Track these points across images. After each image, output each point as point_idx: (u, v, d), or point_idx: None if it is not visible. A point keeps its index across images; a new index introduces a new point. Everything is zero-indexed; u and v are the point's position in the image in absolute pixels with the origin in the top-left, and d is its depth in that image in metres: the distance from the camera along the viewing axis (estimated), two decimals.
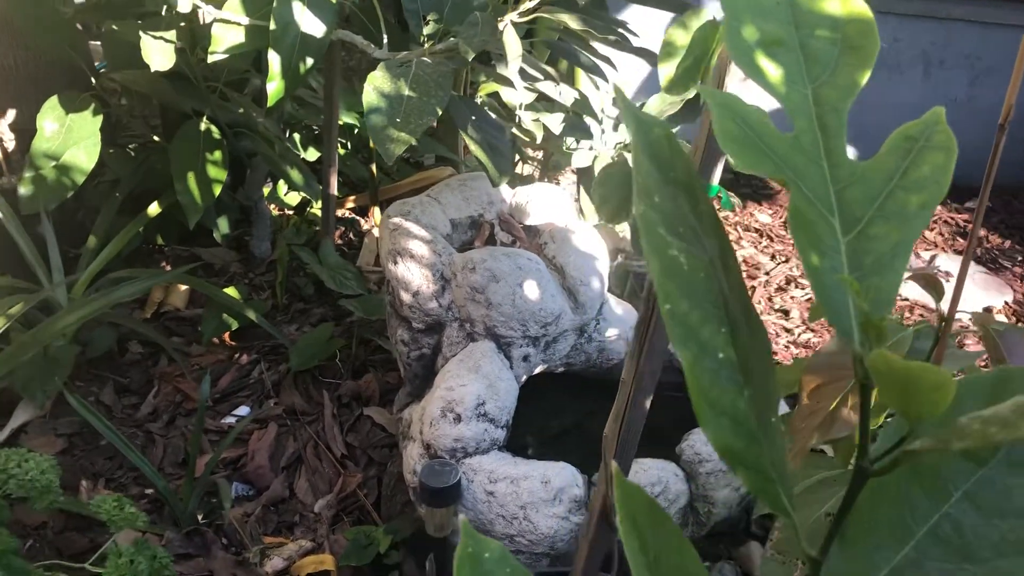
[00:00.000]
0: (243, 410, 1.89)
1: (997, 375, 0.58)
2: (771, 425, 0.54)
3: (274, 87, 1.46)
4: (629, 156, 1.61)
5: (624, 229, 1.74)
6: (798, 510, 0.55)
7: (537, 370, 1.56)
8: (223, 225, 2.15)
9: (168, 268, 2.27)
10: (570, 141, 1.74)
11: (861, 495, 0.54)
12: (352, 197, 2.57)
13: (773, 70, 0.55)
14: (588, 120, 1.72)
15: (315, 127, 2.51)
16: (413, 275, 1.50)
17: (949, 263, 2.75)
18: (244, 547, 1.60)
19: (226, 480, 1.72)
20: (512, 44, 1.15)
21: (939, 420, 0.47)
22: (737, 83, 0.82)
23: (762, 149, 0.52)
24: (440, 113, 1.17)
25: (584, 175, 1.66)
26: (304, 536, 1.63)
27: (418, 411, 1.52)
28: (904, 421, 0.49)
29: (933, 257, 2.74)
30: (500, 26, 1.18)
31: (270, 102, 1.47)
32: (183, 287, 2.19)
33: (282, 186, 2.42)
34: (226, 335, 2.05)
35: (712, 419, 0.50)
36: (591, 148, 1.73)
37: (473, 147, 1.32)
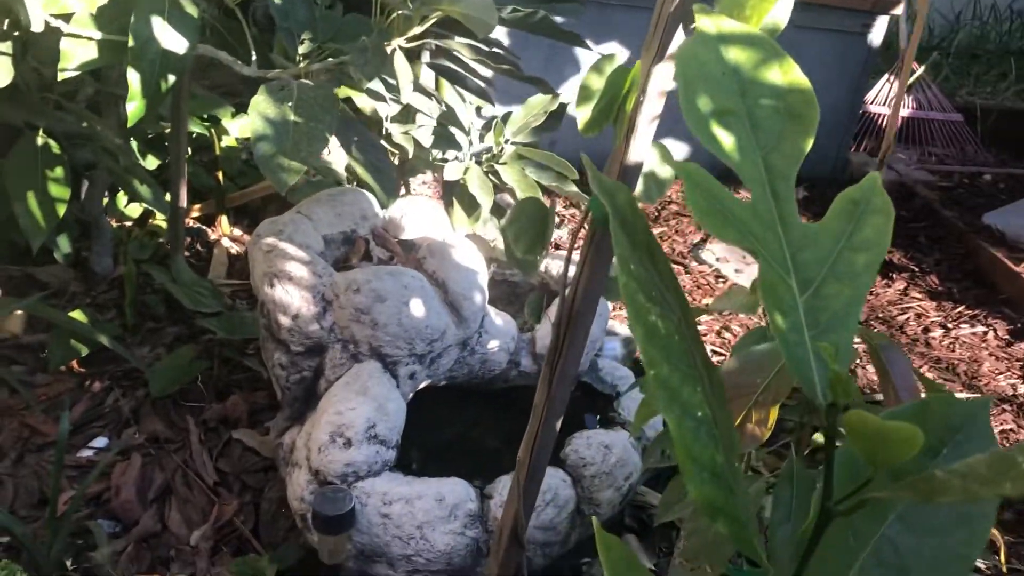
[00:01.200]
0: (100, 441, 1.78)
1: (920, 406, 0.64)
2: (738, 473, 0.58)
3: (134, 107, 1.38)
4: (512, 192, 1.63)
5: (496, 239, 1.77)
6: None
7: (421, 385, 1.56)
8: (64, 244, 2.01)
9: (0, 292, 2.09)
10: (436, 153, 1.75)
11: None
12: (197, 206, 2.46)
13: (726, 138, 0.58)
14: (454, 131, 1.73)
15: (149, 134, 2.37)
16: (292, 298, 1.47)
17: None
18: None
19: (89, 518, 1.62)
20: (403, 71, 1.14)
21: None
22: (647, 124, 0.86)
23: (728, 219, 0.55)
24: (330, 139, 1.14)
25: (454, 187, 1.67)
26: (182, 571, 1.56)
27: (303, 436, 1.49)
28: (865, 464, 0.54)
29: None
30: (388, 50, 1.17)
31: (130, 122, 1.39)
32: (18, 312, 2.03)
33: (121, 197, 2.29)
34: (74, 361, 1.92)
35: (696, 475, 0.54)
36: (458, 159, 1.75)
37: (359, 169, 1.30)
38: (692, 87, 0.59)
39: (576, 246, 0.98)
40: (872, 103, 3.80)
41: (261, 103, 1.17)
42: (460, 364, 1.59)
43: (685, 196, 0.56)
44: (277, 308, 1.48)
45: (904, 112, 3.79)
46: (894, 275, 2.88)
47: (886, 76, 3.82)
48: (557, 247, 2.69)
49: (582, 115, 0.83)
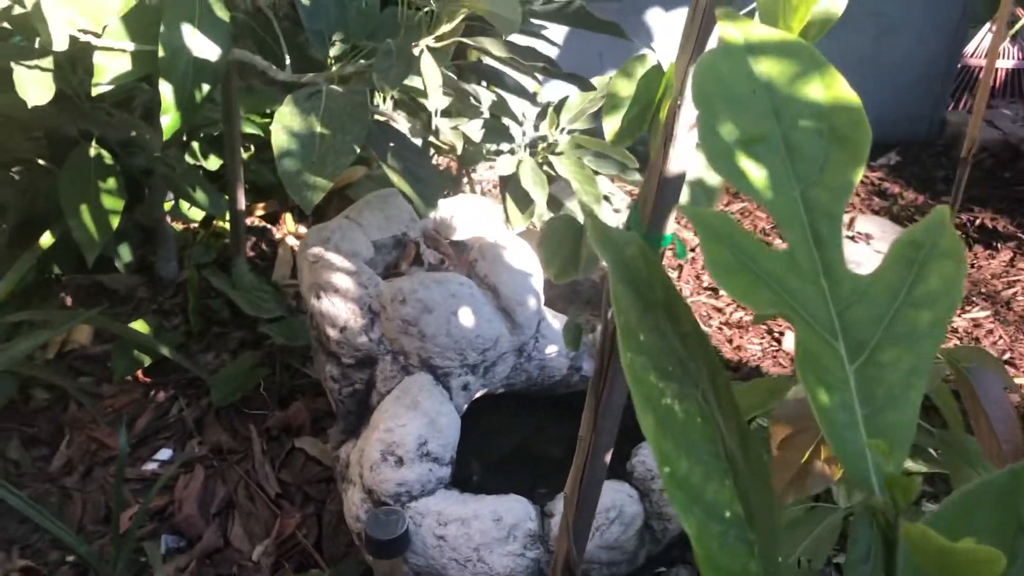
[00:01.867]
0: (165, 453, 1.78)
1: (1008, 477, 0.53)
2: (779, 569, 0.49)
3: (169, 120, 1.34)
4: (570, 206, 1.54)
5: None
6: None
7: (477, 395, 1.49)
8: (124, 253, 2.01)
9: (69, 300, 2.11)
10: (490, 146, 1.66)
11: None
12: (261, 204, 2.44)
13: (756, 172, 0.48)
14: (507, 122, 1.64)
15: (214, 132, 2.36)
16: (338, 310, 1.41)
17: (868, 224, 2.77)
18: None
19: (154, 534, 1.61)
20: (431, 74, 1.06)
21: None
22: (686, 131, 0.75)
23: (756, 275, 0.45)
24: (359, 151, 1.07)
25: (509, 182, 1.58)
26: None
27: (356, 452, 1.44)
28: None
29: (852, 220, 2.76)
30: (416, 51, 1.09)
31: (165, 135, 1.34)
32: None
33: (184, 202, 2.28)
34: (139, 371, 1.92)
35: None
36: (512, 152, 1.66)
37: (395, 178, 1.23)
38: (713, 110, 0.49)
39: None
40: (972, 55, 3.53)
41: (286, 115, 1.11)
42: (517, 371, 1.51)
43: (701, 249, 0.46)
44: (325, 320, 1.42)
45: (1007, 63, 3.51)
46: (999, 244, 2.66)
47: (988, 25, 3.53)
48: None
49: (610, 126, 0.74)
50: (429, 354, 1.40)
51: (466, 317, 1.38)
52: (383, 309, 1.40)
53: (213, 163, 2.30)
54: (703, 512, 0.44)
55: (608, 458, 0.97)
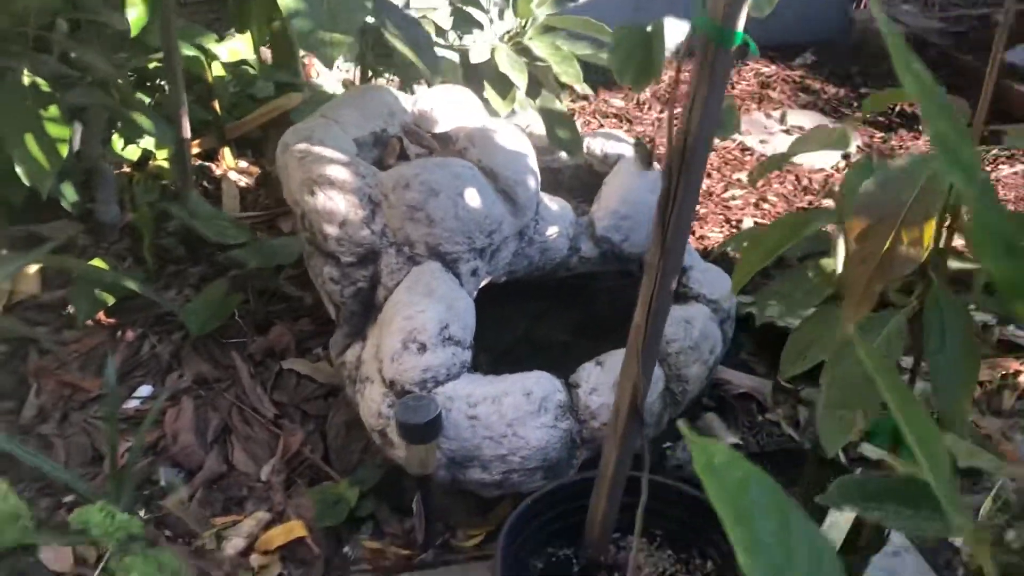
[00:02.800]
0: (145, 390, 1.69)
1: None
2: None
3: (136, 14, 1.25)
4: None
5: (530, 124, 1.66)
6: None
7: (483, 283, 1.47)
8: (69, 192, 1.88)
9: (3, 253, 1.97)
10: (455, 36, 1.62)
11: None
12: (196, 141, 2.32)
13: None
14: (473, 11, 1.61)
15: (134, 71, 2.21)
16: (336, 204, 1.36)
17: (799, 117, 2.85)
18: (194, 535, 1.44)
19: (150, 468, 1.54)
20: None
21: None
22: None
23: None
24: (371, 6, 1.02)
25: (485, 69, 1.55)
26: (258, 508, 1.48)
27: (370, 349, 1.40)
28: None
29: (783, 115, 2.83)
30: None
31: (134, 31, 1.26)
32: (32, 269, 1.91)
33: (117, 141, 2.14)
34: (101, 313, 1.82)
35: (991, 247, 0.44)
36: (476, 41, 1.62)
37: (399, 46, 1.18)
38: None
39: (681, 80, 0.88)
40: None
41: None
42: (519, 256, 1.50)
43: None
44: (321, 217, 1.37)
45: None
46: (919, 126, 2.78)
47: None
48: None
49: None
50: (437, 240, 1.36)
51: (472, 198, 1.35)
52: (385, 198, 1.36)
53: (144, 99, 2.18)
54: (963, 171, 0.44)
55: (675, 284, 0.97)
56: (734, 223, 2.28)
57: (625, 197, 1.52)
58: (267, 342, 1.77)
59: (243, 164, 2.36)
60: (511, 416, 1.30)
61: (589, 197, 1.61)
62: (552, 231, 1.49)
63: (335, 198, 1.35)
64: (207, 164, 2.34)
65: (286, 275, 1.91)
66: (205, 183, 2.29)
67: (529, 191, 1.44)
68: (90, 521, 0.86)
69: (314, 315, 1.83)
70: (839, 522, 1.16)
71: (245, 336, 1.79)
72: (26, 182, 1.80)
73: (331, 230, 1.37)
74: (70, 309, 1.84)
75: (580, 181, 1.71)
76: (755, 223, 2.25)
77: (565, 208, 1.52)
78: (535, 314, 1.60)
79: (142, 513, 1.44)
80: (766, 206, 2.36)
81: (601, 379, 1.35)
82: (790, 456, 1.59)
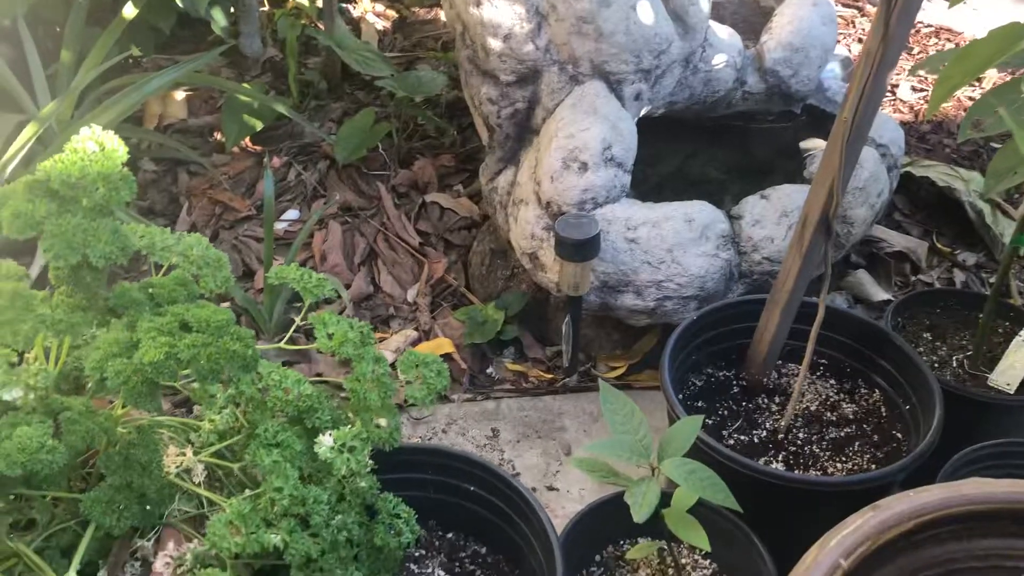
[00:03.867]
0: (291, 214, 1.72)
1: None
2: None
3: None
4: None
5: None
6: None
7: (643, 111, 1.42)
8: (219, 16, 1.89)
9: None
10: None
11: None
12: None
13: None
14: None
15: None
16: (502, 16, 1.32)
17: None
18: None
19: None
20: None
21: None
22: None
23: None
24: None
25: None
26: (405, 327, 1.51)
27: (526, 170, 1.38)
28: None
29: None
30: None
31: None
32: (179, 96, 1.94)
33: None
34: (247, 140, 1.84)
35: None
36: None
37: None
38: None
39: None
40: None
41: None
42: (682, 87, 1.44)
43: None
44: (485, 30, 1.33)
45: None
46: None
47: None
48: None
49: None
50: (604, 57, 1.32)
51: (645, 13, 1.30)
52: (552, 9, 1.31)
53: None
54: None
55: (888, 81, 0.91)
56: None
57: (799, 28, 1.44)
58: (411, 175, 1.77)
59: (379, 8, 2.33)
60: (671, 241, 1.27)
61: (752, 34, 1.53)
62: (719, 60, 1.42)
63: (501, 8, 1.31)
64: (344, 5, 2.32)
65: (429, 112, 1.89)
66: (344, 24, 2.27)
67: (701, 13, 1.37)
68: (288, 276, 0.88)
69: (456, 152, 1.82)
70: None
71: (388, 169, 1.80)
72: (179, 3, 1.81)
73: (494, 44, 1.33)
74: (218, 136, 1.87)
75: (743, 17, 1.62)
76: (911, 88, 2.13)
77: (734, 37, 1.45)
78: (688, 153, 1.55)
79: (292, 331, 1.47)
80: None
81: (766, 211, 1.31)
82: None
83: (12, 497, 0.79)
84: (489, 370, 1.46)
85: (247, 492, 0.78)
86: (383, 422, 0.88)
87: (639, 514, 0.80)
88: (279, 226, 1.69)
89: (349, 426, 0.82)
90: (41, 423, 0.71)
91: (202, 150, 1.86)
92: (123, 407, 0.80)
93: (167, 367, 0.69)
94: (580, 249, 1.23)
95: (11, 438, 0.69)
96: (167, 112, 1.92)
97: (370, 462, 0.83)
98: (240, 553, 0.74)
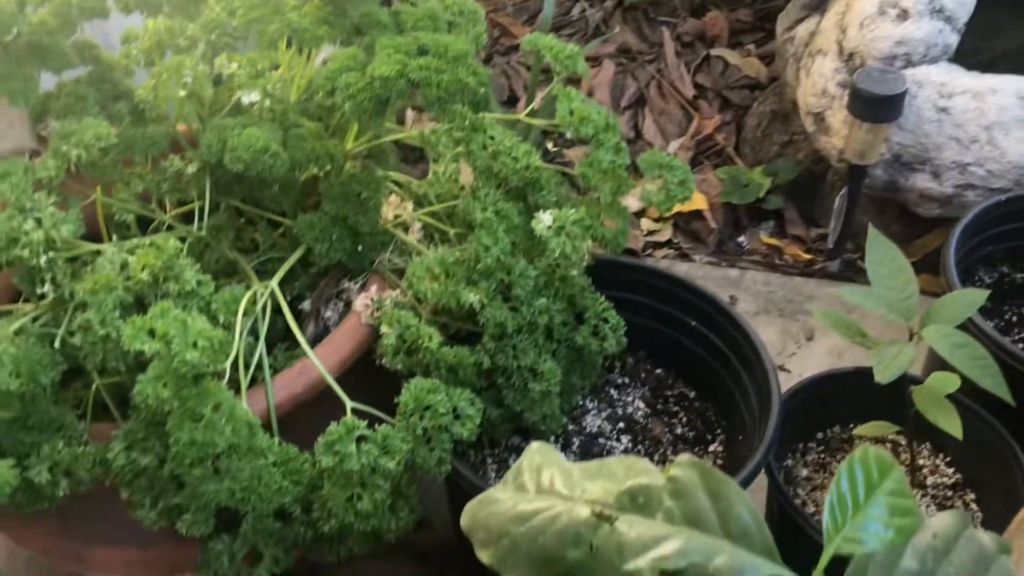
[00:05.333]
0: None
1: None
2: None
3: None
4: None
5: None
6: None
7: None
8: None
9: None
10: None
11: None
12: None
13: None
14: None
15: None
16: None
17: None
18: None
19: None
20: None
21: None
22: None
23: None
24: None
25: None
26: None
27: (831, 18, 1.21)
28: None
29: None
30: None
31: None
32: None
33: None
34: None
35: None
36: None
37: None
38: None
39: None
40: None
41: None
42: None
43: None
44: None
45: None
46: None
47: None
48: None
49: None
50: None
51: None
52: None
53: None
54: None
55: None
56: None
57: None
58: (700, 25, 1.63)
59: None
60: (992, 118, 1.06)
61: None
62: None
63: None
64: None
65: None
66: None
67: None
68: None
69: (756, 8, 1.66)
70: None
71: (676, 16, 1.67)
72: None
73: None
74: None
75: None
76: None
77: None
78: None
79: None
80: None
81: None
82: None
83: (236, 211, 0.80)
84: (741, 239, 1.33)
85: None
86: (610, 222, 0.81)
87: (883, 374, 0.67)
88: None
89: (572, 210, 0.75)
90: (271, 129, 0.70)
91: None
92: (355, 139, 0.78)
93: (397, 85, 0.65)
94: (878, 107, 1.06)
95: (240, 136, 0.68)
96: None
97: (588, 256, 0.76)
98: (436, 306, 0.70)
